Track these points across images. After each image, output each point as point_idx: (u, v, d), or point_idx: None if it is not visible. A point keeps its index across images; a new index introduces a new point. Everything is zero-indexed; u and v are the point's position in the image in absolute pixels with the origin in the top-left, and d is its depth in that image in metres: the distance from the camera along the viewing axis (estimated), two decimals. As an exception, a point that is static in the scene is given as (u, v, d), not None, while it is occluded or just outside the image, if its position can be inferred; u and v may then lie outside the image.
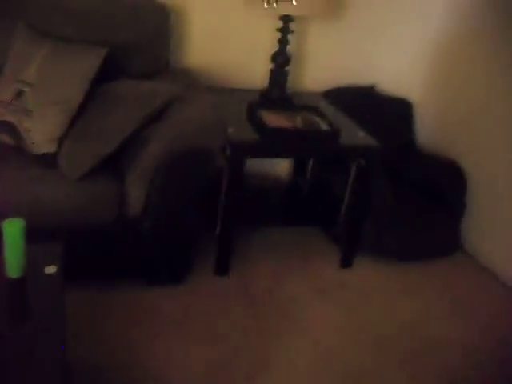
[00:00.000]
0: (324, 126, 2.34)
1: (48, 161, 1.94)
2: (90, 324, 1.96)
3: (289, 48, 2.54)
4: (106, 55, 2.03)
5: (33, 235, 1.42)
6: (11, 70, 2.01)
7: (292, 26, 2.49)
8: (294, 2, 2.28)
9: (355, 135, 2.42)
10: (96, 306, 2.05)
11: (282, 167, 3.07)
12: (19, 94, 1.95)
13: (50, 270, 1.47)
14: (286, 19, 2.46)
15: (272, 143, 2.23)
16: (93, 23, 2.24)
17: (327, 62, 2.93)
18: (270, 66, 2.58)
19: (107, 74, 2.08)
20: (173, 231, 2.11)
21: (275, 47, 2.54)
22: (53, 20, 2.19)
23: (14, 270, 1.41)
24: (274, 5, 2.28)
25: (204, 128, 2.01)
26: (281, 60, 2.54)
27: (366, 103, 2.90)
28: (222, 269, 2.35)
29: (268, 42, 2.68)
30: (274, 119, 2.32)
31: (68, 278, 1.49)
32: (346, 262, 2.57)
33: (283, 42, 2.50)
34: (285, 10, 2.35)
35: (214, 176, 2.12)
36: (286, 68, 2.57)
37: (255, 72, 2.78)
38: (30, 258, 1.43)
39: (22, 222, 1.38)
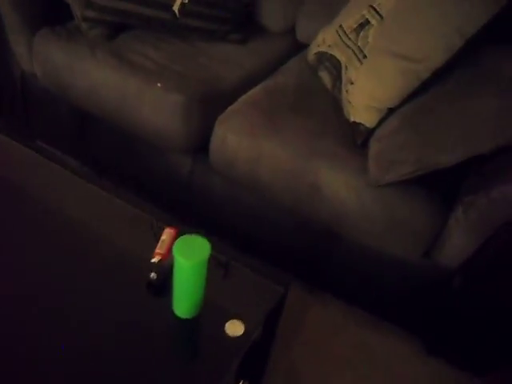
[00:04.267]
0: None
1: (356, 133, 1.28)
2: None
3: None
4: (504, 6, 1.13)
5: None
6: (372, -14, 1.34)
7: None
8: None
9: None
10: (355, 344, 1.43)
11: None
12: (362, 25, 1.29)
13: (234, 329, 0.89)
14: None
15: None
16: None
17: None
18: None
19: None
20: (489, 308, 1.26)
21: None
22: None
23: (181, 307, 0.88)
24: None
25: None
26: None
27: None
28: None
29: None
30: None
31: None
32: None
33: None
34: None
35: None
36: None
37: None
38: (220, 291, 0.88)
39: (207, 246, 0.80)
